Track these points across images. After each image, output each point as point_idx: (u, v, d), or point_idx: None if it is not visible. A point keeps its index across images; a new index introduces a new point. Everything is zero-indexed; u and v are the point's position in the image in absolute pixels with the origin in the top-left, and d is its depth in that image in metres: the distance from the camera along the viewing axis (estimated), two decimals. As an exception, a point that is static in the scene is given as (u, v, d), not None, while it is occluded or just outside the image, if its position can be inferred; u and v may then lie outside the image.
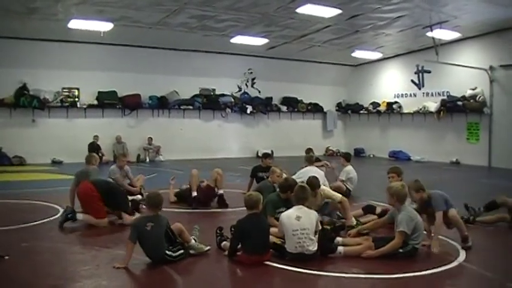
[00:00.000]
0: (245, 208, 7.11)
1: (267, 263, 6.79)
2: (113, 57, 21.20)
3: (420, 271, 6.57)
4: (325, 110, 27.95)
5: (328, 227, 8.00)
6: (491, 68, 21.94)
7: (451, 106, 23.05)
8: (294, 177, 10.12)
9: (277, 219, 7.52)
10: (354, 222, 8.72)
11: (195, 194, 10.98)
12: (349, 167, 12.76)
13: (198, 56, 23.26)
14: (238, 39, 20.95)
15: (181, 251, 6.93)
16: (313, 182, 8.89)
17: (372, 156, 26.75)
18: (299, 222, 6.91)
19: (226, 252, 7.07)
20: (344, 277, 6.39)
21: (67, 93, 21.25)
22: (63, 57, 20.39)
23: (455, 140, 23.43)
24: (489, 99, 22.13)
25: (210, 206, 11.01)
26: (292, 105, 26.76)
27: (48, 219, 9.45)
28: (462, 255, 7.28)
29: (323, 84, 27.54)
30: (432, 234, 7.66)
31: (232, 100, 24.74)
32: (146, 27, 18.73)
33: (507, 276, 6.38)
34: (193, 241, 7.27)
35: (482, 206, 9.73)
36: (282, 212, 7.41)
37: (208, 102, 24.15)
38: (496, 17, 18.84)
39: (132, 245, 6.64)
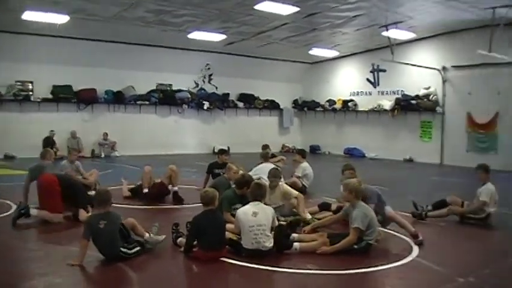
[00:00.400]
0: (201, 204, 7.09)
1: (223, 259, 6.79)
2: (68, 51, 20.77)
3: (374, 266, 6.69)
4: (281, 106, 28.07)
5: (284, 223, 8.06)
6: (444, 68, 22.47)
7: (405, 105, 23.52)
8: (250, 173, 10.18)
9: (233, 215, 7.53)
10: (309, 216, 8.80)
11: (146, 190, 10.91)
12: (305, 164, 12.86)
13: (155, 51, 23.04)
14: (196, 35, 20.84)
15: (138, 248, 6.88)
16: (275, 173, 9.01)
17: (327, 153, 27.01)
18: (255, 218, 6.94)
19: (182, 249, 7.03)
20: (299, 273, 6.46)
21: (20, 87, 20.73)
22: (17, 49, 19.87)
23: (409, 138, 23.88)
24: (442, 98, 22.68)
25: (165, 203, 10.94)
26: (249, 101, 26.79)
27: (0, 216, 9.24)
28: (415, 250, 7.45)
29: (280, 81, 27.65)
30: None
31: (189, 96, 24.60)
32: (103, 21, 18.43)
33: (457, 271, 6.53)
34: (147, 235, 7.22)
35: (431, 204, 9.98)
36: (238, 208, 7.44)
37: (165, 98, 23.96)
38: (448, 18, 19.27)
39: (86, 243, 6.55)
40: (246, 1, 16.32)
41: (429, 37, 22.54)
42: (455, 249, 8.05)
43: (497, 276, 6.51)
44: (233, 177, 9.70)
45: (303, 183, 12.46)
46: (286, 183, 10.25)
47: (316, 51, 25.09)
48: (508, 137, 20.34)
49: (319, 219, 8.64)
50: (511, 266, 7.03)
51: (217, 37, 21.34)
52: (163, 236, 7.36)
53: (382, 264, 6.77)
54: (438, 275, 6.49)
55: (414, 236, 7.94)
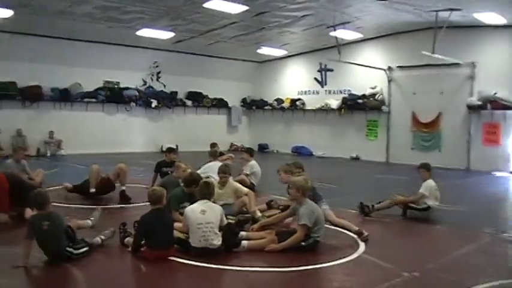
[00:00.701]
0: (149, 203, 7.06)
1: (172, 258, 6.76)
2: (13, 46, 20.17)
3: (322, 263, 6.81)
4: (230, 105, 28.06)
5: (233, 222, 8.10)
6: (389, 68, 22.96)
7: (352, 104, 23.94)
8: (198, 172, 10.18)
9: (182, 214, 7.51)
10: (259, 214, 8.86)
11: (93, 190, 10.76)
12: (253, 162, 12.94)
13: (102, 48, 22.69)
14: (144, 32, 20.67)
15: (85, 249, 6.75)
16: (225, 169, 9.08)
17: (275, 151, 27.18)
18: (204, 216, 6.95)
19: (130, 249, 6.96)
20: (248, 271, 6.50)
21: (-40, 83, 20.09)
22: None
23: (355, 136, 24.30)
24: (387, 98, 23.18)
25: (112, 202, 10.79)
26: (198, 100, 26.67)
27: None
28: (361, 247, 7.60)
29: (229, 80, 27.65)
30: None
31: (137, 94, 24.31)
32: (49, 16, 18.06)
33: (402, 266, 6.70)
34: (88, 222, 7.13)
35: (376, 203, 10.22)
36: (186, 206, 7.42)
37: (112, 96, 23.59)
38: (394, 20, 19.71)
39: (30, 243, 6.39)
40: (194, -1, 16.31)
41: (375, 38, 23.03)
42: (401, 245, 8.28)
43: (441, 271, 6.70)
44: (182, 175, 9.69)
45: (251, 181, 12.53)
46: (235, 181, 10.29)
47: (265, 50, 25.26)
48: (450, 135, 21.00)
49: (267, 217, 8.71)
50: (454, 260, 7.24)
51: (165, 35, 21.22)
52: (112, 229, 7.36)
53: (329, 261, 6.88)
54: (384, 271, 6.63)
55: (359, 234, 8.12)
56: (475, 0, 16.27)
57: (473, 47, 20.38)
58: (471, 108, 20.33)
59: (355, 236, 8.14)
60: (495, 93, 19.58)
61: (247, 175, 12.59)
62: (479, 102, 19.98)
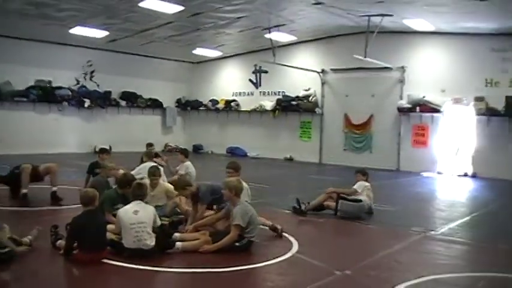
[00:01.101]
0: (81, 205, 6.92)
1: (105, 260, 6.64)
2: None
3: (255, 263, 6.87)
4: (164, 106, 27.81)
5: (166, 223, 8.06)
6: (323, 70, 23.38)
7: (286, 105, 24.22)
8: (133, 172, 10.08)
9: (115, 215, 7.41)
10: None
11: (25, 191, 10.47)
12: (188, 163, 12.90)
13: (34, 45, 22.00)
14: (78, 30, 20.25)
15: (7, 249, 6.45)
16: (154, 171, 9.00)
17: (210, 152, 27.16)
18: (137, 216, 6.89)
19: (62, 251, 6.80)
20: (182, 272, 6.51)
21: None
22: None
23: (289, 137, 24.60)
24: (321, 100, 23.58)
25: (43, 204, 10.49)
26: (132, 100, 26.27)
27: None
28: (295, 246, 7.70)
29: (163, 80, 27.41)
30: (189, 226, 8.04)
31: (70, 93, 23.70)
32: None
33: (335, 264, 6.83)
34: (27, 240, 6.95)
35: (307, 203, 10.42)
36: (120, 208, 7.34)
37: (44, 95, 22.91)
38: (328, 23, 20.09)
39: None
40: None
41: (310, 41, 23.41)
42: (334, 244, 8.47)
43: (372, 268, 6.87)
44: (110, 174, 9.57)
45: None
46: (170, 182, 10.24)
47: (200, 51, 25.23)
48: (381, 137, 21.60)
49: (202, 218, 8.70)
50: (385, 258, 7.45)
51: (100, 33, 20.87)
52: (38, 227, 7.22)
53: (263, 261, 6.94)
54: (317, 269, 6.75)
55: (273, 229, 8.33)
56: (405, 7, 16.77)
57: (403, 52, 21.06)
58: (401, 110, 20.98)
59: (287, 235, 8.26)
60: (424, 97, 20.29)
61: (182, 176, 12.53)
62: (409, 105, 20.65)
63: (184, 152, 13.42)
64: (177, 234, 7.65)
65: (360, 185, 10.52)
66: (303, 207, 10.32)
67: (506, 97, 18.82)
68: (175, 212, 8.94)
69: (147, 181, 8.85)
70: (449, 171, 19.98)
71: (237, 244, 7.29)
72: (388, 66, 20.84)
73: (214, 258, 6.98)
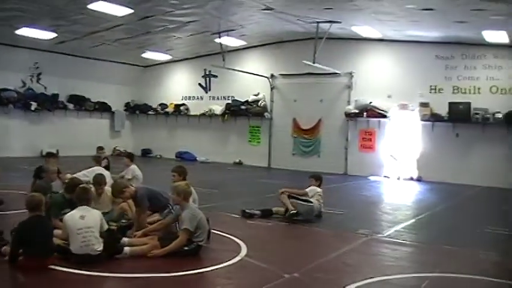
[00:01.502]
0: (27, 210, 6.75)
1: (52, 266, 6.48)
2: None
3: (204, 267, 6.84)
4: (113, 109, 27.48)
5: (114, 228, 7.97)
6: (272, 75, 23.53)
7: (235, 110, 24.30)
8: (79, 175, 9.93)
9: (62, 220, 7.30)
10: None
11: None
12: (134, 166, 12.75)
13: (-23, 47, 21.49)
14: (25, 31, 19.78)
15: None
16: (99, 179, 8.84)
17: (159, 156, 26.95)
18: (83, 221, 6.77)
19: (7, 258, 6.61)
20: (131, 277, 6.43)
21: None
22: None
23: (238, 142, 24.68)
24: (270, 104, 23.73)
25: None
26: (80, 103, 25.85)
27: None
28: (243, 250, 7.72)
29: (112, 84, 27.02)
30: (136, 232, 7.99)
31: (16, 95, 23.12)
32: None
33: (283, 268, 6.88)
34: None
35: (260, 210, 10.46)
36: (67, 213, 7.23)
37: (-12, 97, 22.36)
38: (277, 29, 20.28)
39: None
40: (79, -1, 15.85)
41: (259, 46, 23.54)
42: (282, 248, 8.52)
43: (320, 271, 6.96)
44: (53, 178, 9.41)
45: (133, 186, 12.34)
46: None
47: (150, 55, 25.06)
48: (329, 141, 21.91)
49: (151, 223, 8.62)
50: (333, 261, 7.56)
51: (47, 35, 20.44)
52: None
53: (212, 265, 6.92)
54: (265, 273, 6.79)
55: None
56: (353, 14, 17.08)
57: (351, 58, 21.46)
58: (348, 115, 21.34)
59: (236, 239, 8.28)
60: (371, 102, 20.68)
61: (128, 180, 12.40)
62: (356, 110, 21.03)
63: (129, 156, 13.26)
64: (125, 239, 7.55)
65: (312, 190, 10.70)
66: (246, 215, 10.38)
67: (450, 103, 19.41)
68: (123, 217, 8.83)
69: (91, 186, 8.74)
70: (395, 175, 20.42)
71: (185, 248, 7.26)
72: (336, 72, 21.17)
73: (162, 262, 6.93)
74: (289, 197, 10.43)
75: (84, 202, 7.10)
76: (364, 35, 20.06)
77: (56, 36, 20.73)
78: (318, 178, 11.19)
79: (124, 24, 18.95)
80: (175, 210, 7.83)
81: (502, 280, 6.85)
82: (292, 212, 10.16)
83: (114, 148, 26.85)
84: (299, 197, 10.46)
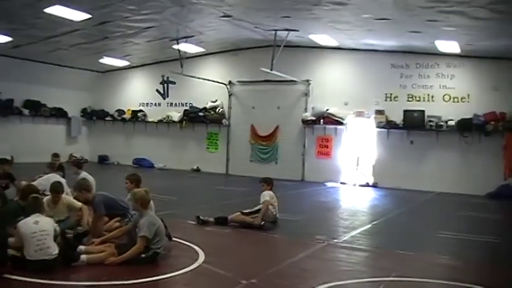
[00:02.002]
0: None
1: (6, 276, 6.32)
2: None
3: (162, 275, 6.82)
4: (69, 115, 27.07)
5: (71, 236, 7.88)
6: (230, 82, 23.59)
7: (193, 117, 24.28)
8: (35, 183, 9.78)
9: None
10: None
11: None
12: (84, 173, 12.53)
13: None
14: (-22, 35, 19.42)
15: None
16: (57, 187, 8.72)
17: (116, 163, 26.67)
18: (37, 225, 6.67)
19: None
20: (87, 285, 6.40)
21: None
22: None
23: (196, 148, 24.65)
24: (228, 111, 23.77)
25: None
26: (36, 108, 25.39)
27: None
28: (201, 257, 7.72)
29: (69, 89, 26.57)
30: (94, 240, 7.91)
31: (-32, 100, 22.63)
32: None
33: (241, 274, 6.92)
34: None
35: (214, 218, 10.47)
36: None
37: None
38: (236, 36, 20.36)
39: None
40: (35, 3, 15.51)
41: (217, 52, 23.59)
42: (240, 254, 8.56)
43: (277, 277, 7.03)
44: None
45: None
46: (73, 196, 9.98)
47: (107, 60, 24.82)
48: (286, 148, 22.10)
49: (109, 230, 8.56)
50: (290, 266, 7.63)
51: (1, 39, 20.01)
52: None
53: (169, 272, 6.92)
54: (223, 279, 6.82)
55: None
56: (311, 22, 17.30)
57: (308, 66, 21.71)
58: (305, 122, 21.57)
59: (194, 246, 8.30)
60: (327, 110, 20.94)
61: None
62: (313, 117, 21.28)
63: (76, 164, 12.95)
64: (81, 247, 7.46)
65: (266, 194, 10.65)
66: (200, 222, 10.39)
67: (404, 111, 19.83)
68: (79, 224, 8.73)
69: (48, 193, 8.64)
70: (351, 181, 20.70)
71: (143, 256, 7.23)
72: (294, 80, 21.36)
73: (120, 270, 6.88)
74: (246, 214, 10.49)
75: (36, 211, 7.00)
76: (322, 43, 20.32)
77: (11, 40, 20.32)
78: (269, 182, 11.07)
79: (81, 29, 18.71)
80: (134, 216, 7.81)
81: (454, 283, 7.03)
82: (261, 224, 10.24)
83: (71, 155, 26.40)
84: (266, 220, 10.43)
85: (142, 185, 8.91)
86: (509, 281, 7.42)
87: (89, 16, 16.80)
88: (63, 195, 8.93)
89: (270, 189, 10.93)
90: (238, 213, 10.54)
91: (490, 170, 18.57)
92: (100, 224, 8.21)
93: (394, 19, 15.55)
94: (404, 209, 15.14)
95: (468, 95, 19.42)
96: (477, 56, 18.96)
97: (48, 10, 16.09)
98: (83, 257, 7.09)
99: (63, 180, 10.38)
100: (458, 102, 19.57)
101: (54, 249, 6.69)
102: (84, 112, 28.08)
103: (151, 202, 8.57)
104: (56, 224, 7.10)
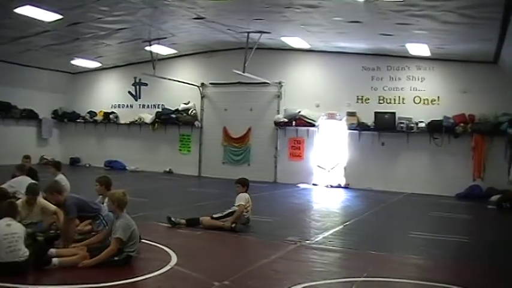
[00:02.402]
0: None
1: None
2: None
3: (134, 277, 6.81)
4: (40, 117, 26.75)
5: (42, 239, 7.81)
6: (202, 84, 23.58)
7: (166, 118, 24.20)
8: (5, 186, 9.69)
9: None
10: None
11: None
12: (61, 176, 12.45)
13: None
14: None
15: None
16: (34, 189, 8.66)
17: (88, 165, 26.43)
18: (9, 227, 6.63)
19: None
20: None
21: None
22: None
23: (168, 150, 24.57)
24: (200, 113, 23.77)
25: None
26: (6, 110, 25.02)
27: None
28: (173, 259, 7.72)
29: (40, 91, 26.22)
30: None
31: None
32: None
33: (213, 276, 6.92)
34: None
35: (185, 219, 10.45)
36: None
37: None
38: (208, 38, 20.36)
39: None
40: (6, 3, 15.30)
41: (190, 54, 23.57)
42: (212, 256, 8.56)
43: (250, 278, 7.06)
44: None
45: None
46: (45, 198, 9.90)
47: (79, 62, 24.62)
48: (259, 150, 22.16)
49: (80, 233, 8.50)
50: (262, 268, 7.68)
51: (-31, 39, 19.76)
52: None
53: (142, 275, 6.91)
54: (195, 281, 6.83)
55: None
56: (283, 25, 17.39)
57: (281, 68, 21.81)
58: (278, 124, 21.65)
59: (166, 248, 8.30)
60: (299, 111, 21.05)
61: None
62: (285, 119, 21.38)
63: (56, 165, 12.89)
64: (52, 250, 7.41)
65: (242, 197, 10.58)
66: (172, 224, 10.35)
67: (376, 113, 20.03)
68: (53, 227, 8.65)
69: (23, 196, 8.55)
70: (324, 183, 20.84)
71: (116, 258, 7.21)
72: (266, 82, 21.45)
73: (92, 273, 6.85)
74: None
75: (10, 215, 6.93)
76: (294, 45, 20.45)
77: (-20, 41, 20.05)
78: (244, 183, 10.97)
79: (52, 30, 18.51)
80: (108, 217, 7.78)
81: (425, 282, 7.14)
82: (232, 226, 10.25)
83: (42, 157, 26.13)
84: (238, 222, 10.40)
85: (114, 188, 8.87)
86: (478, 279, 7.56)
87: (60, 17, 16.63)
88: (39, 198, 8.87)
89: (246, 191, 10.87)
90: (208, 218, 10.52)
91: (459, 171, 18.88)
92: (72, 227, 8.15)
93: (365, 22, 15.71)
94: (376, 209, 15.30)
95: (438, 97, 19.72)
96: (447, 59, 19.28)
97: (18, 10, 15.86)
98: (55, 260, 7.02)
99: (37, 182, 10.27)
100: (428, 104, 19.86)
101: (25, 252, 6.64)
102: (55, 114, 27.76)
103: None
104: (25, 229, 7.03)
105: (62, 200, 8.10)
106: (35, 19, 16.83)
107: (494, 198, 16.61)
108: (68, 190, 12.06)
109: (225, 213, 10.53)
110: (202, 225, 10.43)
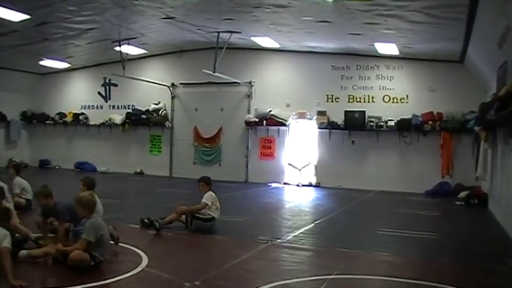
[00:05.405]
0: None
1: None
2: None
3: (105, 279, 6.77)
4: (8, 118, 26.38)
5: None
6: (173, 84, 23.52)
7: (136, 119, 24.07)
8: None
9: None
10: (33, 235, 8.47)
11: None
12: (19, 179, 12.24)
13: None
14: None
15: None
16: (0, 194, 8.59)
17: (57, 167, 26.15)
18: None
19: None
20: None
21: None
22: None
23: (139, 151, 24.47)
24: (170, 113, 23.70)
25: None
26: (-29, 112, 24.69)
27: None
28: (144, 261, 7.71)
29: (8, 92, 25.82)
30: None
31: None
32: None
33: (184, 277, 6.93)
34: None
35: (160, 219, 10.40)
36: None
37: None
38: (178, 38, 20.30)
39: None
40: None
41: (159, 54, 23.49)
42: (183, 257, 8.58)
43: (221, 278, 7.09)
44: None
45: (25, 197, 11.93)
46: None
47: (48, 62, 24.33)
48: (230, 150, 22.20)
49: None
50: (234, 268, 7.70)
51: None
52: None
53: (112, 277, 6.88)
54: (166, 283, 6.84)
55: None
56: (252, 25, 17.43)
57: (251, 68, 21.89)
58: (248, 124, 21.71)
59: (137, 250, 8.28)
60: (270, 111, 21.14)
61: (18, 195, 11.84)
62: (256, 119, 21.45)
63: (15, 167, 12.67)
64: (24, 252, 7.40)
65: (208, 197, 10.47)
66: (156, 225, 10.17)
67: (345, 112, 20.21)
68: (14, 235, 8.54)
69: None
70: (295, 182, 20.95)
71: (92, 264, 7.12)
72: (236, 81, 21.51)
73: (63, 275, 6.83)
74: (192, 217, 10.36)
75: None
76: (264, 45, 20.52)
77: None
78: (208, 182, 10.77)
79: (20, 30, 18.25)
80: (82, 222, 7.75)
81: (395, 279, 7.27)
82: (190, 225, 10.27)
83: (10, 159, 25.70)
84: (201, 216, 10.30)
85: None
86: (447, 275, 7.68)
87: (28, 17, 16.41)
88: (4, 202, 8.74)
89: (209, 190, 10.70)
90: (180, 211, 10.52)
91: (428, 168, 19.18)
92: (61, 230, 8.13)
93: (334, 22, 15.84)
94: (346, 207, 15.43)
95: (407, 95, 19.99)
96: (415, 58, 19.55)
97: (-16, 10, 15.65)
98: (23, 252, 7.19)
99: (5, 186, 10.13)
100: (397, 102, 20.11)
101: None
102: (24, 115, 27.39)
103: (100, 206, 8.57)
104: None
105: (51, 204, 8.10)
106: (2, 19, 16.56)
107: (463, 194, 16.94)
108: (30, 192, 11.90)
109: (203, 217, 10.44)
110: (176, 214, 10.40)
